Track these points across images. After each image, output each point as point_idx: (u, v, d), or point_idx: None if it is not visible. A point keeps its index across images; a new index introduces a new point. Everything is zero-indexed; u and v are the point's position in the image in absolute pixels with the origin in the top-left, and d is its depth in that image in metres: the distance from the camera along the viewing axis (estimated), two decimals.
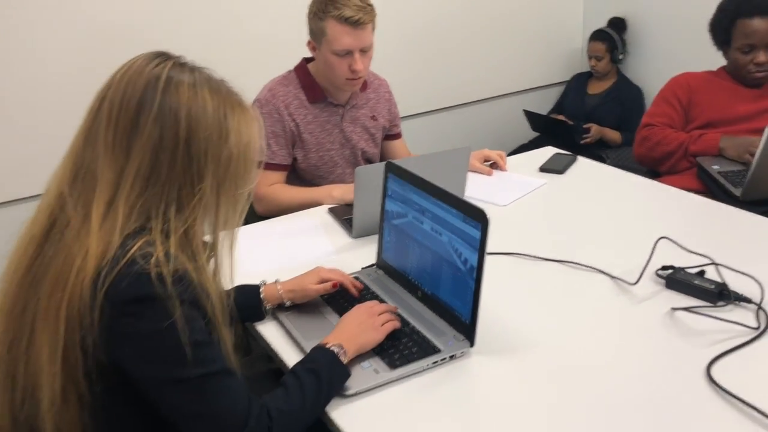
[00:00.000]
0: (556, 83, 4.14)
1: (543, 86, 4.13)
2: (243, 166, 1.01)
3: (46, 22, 2.58)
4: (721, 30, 2.21)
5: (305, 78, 2.03)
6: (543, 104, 4.07)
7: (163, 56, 1.00)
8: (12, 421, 0.96)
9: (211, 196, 0.98)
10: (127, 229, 0.93)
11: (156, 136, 0.94)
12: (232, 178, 1.00)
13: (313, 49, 1.98)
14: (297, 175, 2.09)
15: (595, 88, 3.76)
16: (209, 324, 0.97)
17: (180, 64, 0.99)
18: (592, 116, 3.64)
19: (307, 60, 2.06)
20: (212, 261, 1.03)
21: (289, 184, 2.06)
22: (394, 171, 1.43)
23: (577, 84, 3.87)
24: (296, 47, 2.11)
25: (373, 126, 2.14)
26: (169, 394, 0.93)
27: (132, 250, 0.90)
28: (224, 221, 1.01)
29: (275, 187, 2.02)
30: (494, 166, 2.12)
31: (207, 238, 1.02)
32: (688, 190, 1.94)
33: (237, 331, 1.10)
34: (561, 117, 3.75)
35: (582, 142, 3.45)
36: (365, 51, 1.92)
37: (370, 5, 1.90)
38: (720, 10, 2.24)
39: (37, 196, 1.00)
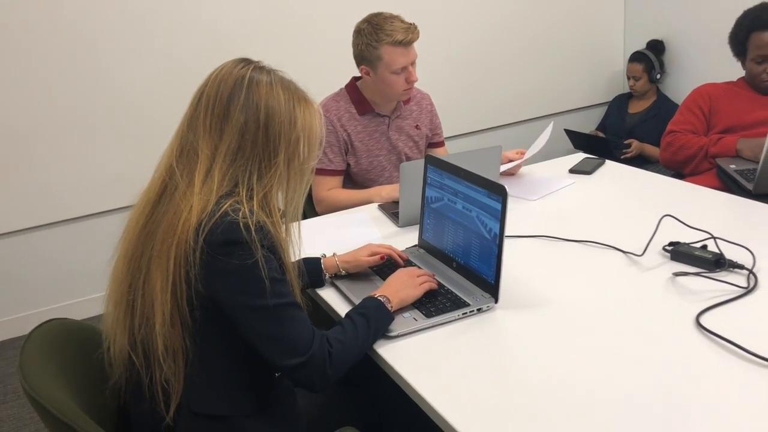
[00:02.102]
0: (598, 104, 4.35)
1: (586, 107, 4.34)
2: (307, 146, 1.29)
3: (145, 53, 2.97)
4: (738, 42, 2.43)
5: (354, 94, 2.33)
6: (586, 124, 4.28)
7: (246, 61, 1.29)
8: (130, 341, 1.24)
9: (284, 169, 1.26)
10: (221, 192, 1.21)
11: (242, 122, 1.23)
12: (299, 155, 1.28)
13: (366, 73, 2.26)
14: (350, 179, 2.38)
15: (636, 107, 3.95)
16: (282, 267, 1.25)
17: (259, 67, 1.29)
18: (633, 134, 3.83)
19: (355, 78, 2.36)
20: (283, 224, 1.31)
21: (343, 188, 2.34)
22: (433, 163, 1.69)
23: (618, 104, 4.07)
24: (347, 67, 2.42)
25: (417, 134, 2.42)
26: (251, 319, 1.20)
27: (225, 207, 1.19)
28: (293, 189, 1.29)
29: (333, 191, 2.31)
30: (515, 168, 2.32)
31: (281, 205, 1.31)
32: (709, 188, 2.14)
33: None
34: (601, 134, 3.95)
35: (622, 156, 3.63)
36: (413, 62, 2.21)
37: (413, 23, 2.19)
38: (737, 24, 2.46)
39: (126, 207, 1.29)
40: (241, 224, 1.18)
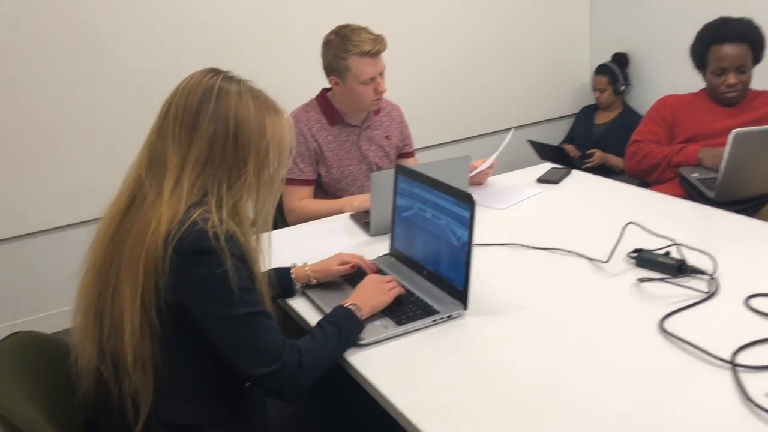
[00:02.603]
0: (566, 115, 4.41)
1: (554, 118, 4.40)
2: (277, 155, 1.29)
3: (101, 71, 2.94)
4: (698, 55, 2.50)
5: (325, 104, 2.34)
6: (555, 135, 4.33)
7: (215, 71, 1.30)
8: (99, 352, 1.23)
9: (253, 178, 1.26)
10: (190, 201, 1.21)
11: (211, 131, 1.23)
12: (269, 164, 1.28)
13: (336, 84, 2.28)
14: (322, 189, 2.39)
15: (602, 118, 4.02)
16: (251, 276, 1.25)
17: (229, 77, 1.29)
18: (599, 144, 3.90)
19: (326, 89, 2.37)
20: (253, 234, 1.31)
21: (314, 198, 2.35)
22: (403, 172, 1.71)
23: (584, 115, 4.14)
24: (318, 78, 2.43)
25: (387, 144, 2.43)
26: (221, 328, 1.20)
27: (194, 216, 1.19)
28: (263, 199, 1.30)
29: (303, 201, 2.31)
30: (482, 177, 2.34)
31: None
32: (673, 196, 2.19)
33: None
34: (564, 146, 4.01)
35: (584, 166, 3.69)
36: (382, 74, 2.23)
37: (380, 34, 2.21)
38: (697, 37, 2.52)
39: (94, 219, 1.29)
40: (210, 233, 1.17)
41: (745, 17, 2.49)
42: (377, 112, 2.42)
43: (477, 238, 1.46)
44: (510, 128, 2.41)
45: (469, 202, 1.44)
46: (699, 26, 2.56)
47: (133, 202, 1.24)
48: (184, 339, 1.23)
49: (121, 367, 1.21)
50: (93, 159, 3.02)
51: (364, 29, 2.21)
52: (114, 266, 1.22)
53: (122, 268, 1.20)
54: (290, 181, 2.29)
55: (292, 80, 3.07)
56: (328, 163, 2.33)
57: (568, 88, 4.39)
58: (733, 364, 1.21)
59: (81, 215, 3.02)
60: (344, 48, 2.18)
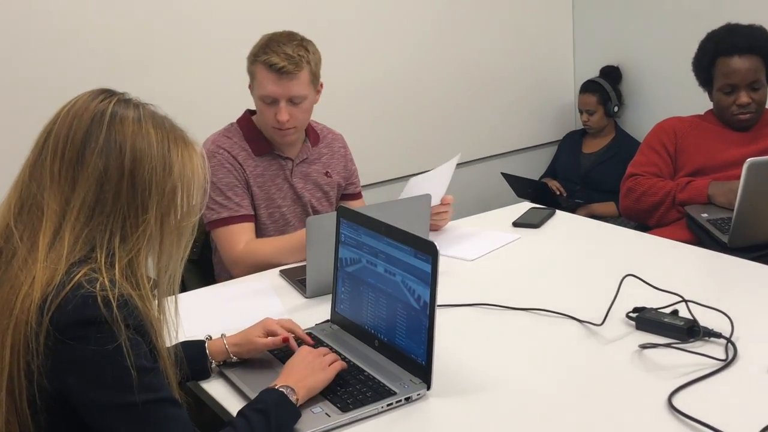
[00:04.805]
0: (547, 143, 4.48)
1: (533, 147, 4.46)
2: (186, 199, 1.29)
3: None
4: (702, 70, 2.60)
5: (249, 130, 2.36)
6: (534, 166, 4.39)
7: (107, 92, 1.29)
8: None
9: (156, 227, 1.25)
10: (73, 258, 1.19)
11: (101, 168, 1.22)
12: (176, 210, 1.27)
13: (251, 90, 2.33)
14: None
15: (591, 146, 4.10)
16: (153, 352, 1.22)
17: (124, 100, 1.29)
18: (589, 178, 3.96)
19: (250, 111, 2.39)
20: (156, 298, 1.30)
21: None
22: (347, 216, 1.72)
23: (570, 143, 4.22)
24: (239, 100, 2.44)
25: (327, 183, 2.44)
26: (114, 421, 1.17)
27: (77, 276, 1.16)
28: (168, 253, 1.28)
29: (251, 244, 2.26)
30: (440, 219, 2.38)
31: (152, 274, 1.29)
32: (679, 241, 2.24)
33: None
34: (546, 180, 4.08)
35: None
36: (296, 103, 2.24)
37: (302, 56, 2.22)
38: (700, 49, 2.63)
39: None
40: (99, 298, 1.15)
41: (756, 24, 2.61)
42: (315, 141, 2.43)
43: (441, 297, 1.47)
44: (456, 154, 2.43)
45: (430, 253, 1.45)
46: (703, 35, 2.66)
47: None
48: None
49: None
50: None
51: (290, 43, 2.22)
52: None
53: None
54: (227, 221, 2.25)
55: (208, 103, 3.08)
56: (256, 200, 2.33)
57: (549, 110, 4.47)
58: None
59: None
60: (257, 51, 2.26)
